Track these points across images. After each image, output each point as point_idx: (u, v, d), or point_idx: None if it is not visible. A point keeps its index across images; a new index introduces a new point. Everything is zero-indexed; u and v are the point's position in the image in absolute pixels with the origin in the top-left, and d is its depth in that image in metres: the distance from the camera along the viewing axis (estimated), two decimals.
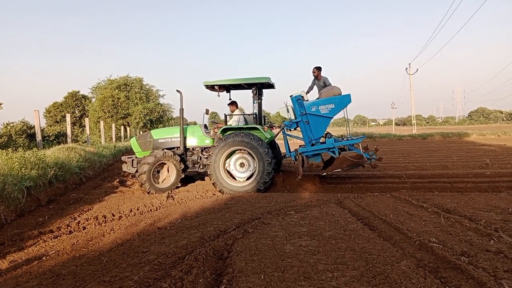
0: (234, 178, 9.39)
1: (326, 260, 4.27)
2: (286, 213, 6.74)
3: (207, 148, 10.14)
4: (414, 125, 46.24)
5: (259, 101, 10.23)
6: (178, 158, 9.68)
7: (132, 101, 38.84)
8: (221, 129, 9.68)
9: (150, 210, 7.37)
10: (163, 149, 9.86)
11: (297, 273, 3.90)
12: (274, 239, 5.15)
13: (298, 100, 9.35)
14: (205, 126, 10.66)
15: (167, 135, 10.21)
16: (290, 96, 9.50)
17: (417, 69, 46.80)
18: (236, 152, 9.37)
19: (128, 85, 41.13)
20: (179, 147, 10.09)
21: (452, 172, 11.08)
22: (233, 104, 10.53)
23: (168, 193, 9.02)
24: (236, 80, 9.59)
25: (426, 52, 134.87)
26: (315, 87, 10.56)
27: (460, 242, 4.78)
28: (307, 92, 10.48)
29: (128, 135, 30.85)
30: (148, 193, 9.29)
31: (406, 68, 47.00)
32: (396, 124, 68.87)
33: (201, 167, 10.04)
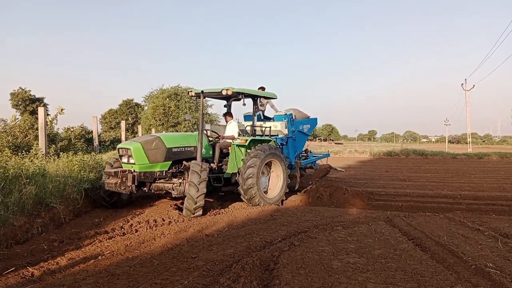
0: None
1: (375, 279, 4.17)
2: (333, 228, 6.65)
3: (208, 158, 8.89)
4: (469, 143, 44.03)
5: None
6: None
7: (182, 110, 40.01)
8: (250, 140, 8.78)
9: (198, 217, 7.53)
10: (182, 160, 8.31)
11: None
12: (321, 254, 5.09)
13: (291, 118, 10.46)
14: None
15: (182, 143, 8.45)
16: (285, 114, 10.57)
17: (474, 85, 44.49)
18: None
19: (178, 95, 42.46)
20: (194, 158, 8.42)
21: (511, 195, 10.43)
22: (230, 114, 9.78)
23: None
24: (256, 92, 9.23)
25: (484, 67, 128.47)
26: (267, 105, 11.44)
27: None
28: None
29: None
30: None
31: (462, 84, 44.92)
32: (449, 141, 65.93)
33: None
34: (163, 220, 6.98)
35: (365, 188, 10.96)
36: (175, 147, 8.19)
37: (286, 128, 10.24)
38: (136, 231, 6.30)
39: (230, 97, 9.03)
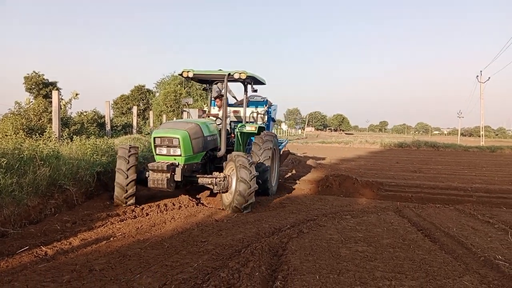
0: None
1: (383, 268, 4.19)
2: (342, 217, 6.67)
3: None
4: (482, 136, 43.44)
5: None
6: None
7: (193, 97, 40.06)
8: (258, 127, 8.44)
9: (208, 202, 7.61)
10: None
11: (353, 277, 3.87)
12: (330, 242, 5.12)
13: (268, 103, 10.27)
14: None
15: (211, 130, 7.76)
16: (271, 105, 10.29)
17: (489, 77, 43.73)
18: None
19: (190, 82, 42.46)
20: (219, 147, 7.98)
21: None
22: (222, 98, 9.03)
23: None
24: (260, 78, 8.66)
25: (500, 60, 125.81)
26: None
27: None
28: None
29: None
30: None
31: (477, 76, 44.20)
32: (462, 134, 65.15)
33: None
34: (173, 205, 7.06)
35: (375, 179, 10.90)
36: (209, 136, 7.57)
37: (265, 114, 9.73)
38: (147, 214, 6.39)
39: (237, 81, 8.44)
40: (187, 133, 6.81)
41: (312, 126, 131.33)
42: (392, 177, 12.19)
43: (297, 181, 10.33)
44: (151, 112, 20.19)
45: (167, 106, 37.38)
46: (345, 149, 29.29)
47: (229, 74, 7.80)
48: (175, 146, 6.73)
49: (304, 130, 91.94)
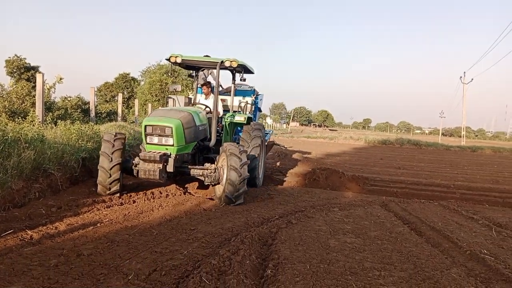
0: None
1: (372, 259, 4.23)
2: (329, 209, 6.71)
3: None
4: (463, 136, 44.29)
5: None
6: None
7: (168, 89, 39.57)
8: (247, 118, 8.37)
9: (196, 192, 7.55)
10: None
11: (343, 267, 3.89)
12: (318, 233, 5.14)
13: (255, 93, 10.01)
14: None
15: (202, 120, 7.44)
16: (258, 95, 10.02)
17: (472, 79, 44.48)
18: None
19: (176, 71, 41.98)
20: (209, 137, 7.80)
21: (504, 188, 10.57)
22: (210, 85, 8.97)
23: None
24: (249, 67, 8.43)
25: (482, 62, 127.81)
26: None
27: None
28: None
29: None
30: None
31: (461, 77, 44.94)
32: (443, 134, 66.31)
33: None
34: (161, 193, 6.98)
35: (360, 174, 11.01)
36: (200, 125, 7.26)
37: (252, 104, 9.56)
38: (134, 202, 6.30)
39: (226, 69, 8.20)
40: (180, 122, 6.48)
41: (297, 121, 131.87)
42: (377, 173, 12.32)
43: (284, 174, 10.34)
44: (136, 101, 19.93)
45: (152, 95, 36.91)
46: (330, 144, 29.52)
47: (221, 62, 7.63)
48: (167, 136, 6.41)
49: (289, 125, 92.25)
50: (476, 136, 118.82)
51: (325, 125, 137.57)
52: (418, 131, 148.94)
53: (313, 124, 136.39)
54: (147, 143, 6.59)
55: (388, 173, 12.62)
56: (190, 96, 9.60)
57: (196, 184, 8.10)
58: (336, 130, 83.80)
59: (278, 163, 12.31)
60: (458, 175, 13.20)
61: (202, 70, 9.21)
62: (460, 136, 46.07)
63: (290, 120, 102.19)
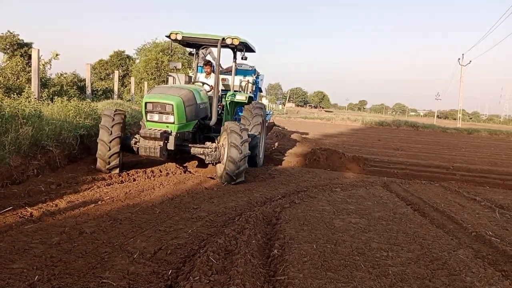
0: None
1: (378, 240, 4.19)
2: (332, 189, 6.66)
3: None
4: (459, 118, 44.37)
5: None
6: None
7: (169, 66, 39.04)
8: (248, 97, 8.17)
9: (196, 171, 7.46)
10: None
11: (350, 248, 3.85)
12: (322, 213, 5.10)
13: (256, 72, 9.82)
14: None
15: (203, 98, 7.31)
16: (259, 75, 9.85)
17: (470, 61, 44.42)
18: None
19: (172, 50, 41.30)
20: (209, 116, 7.63)
21: (502, 170, 10.56)
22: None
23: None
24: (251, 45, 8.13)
25: (479, 45, 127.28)
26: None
27: None
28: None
29: None
30: None
31: (459, 59, 44.74)
32: (437, 116, 66.36)
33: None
34: (161, 172, 6.87)
35: (359, 154, 10.94)
36: (201, 103, 7.10)
37: (253, 83, 9.32)
38: (134, 180, 6.19)
39: (228, 47, 7.94)
40: (181, 100, 6.33)
41: (293, 102, 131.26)
42: (376, 154, 12.27)
43: (284, 154, 10.26)
44: (132, 78, 19.63)
45: (148, 74, 36.42)
46: (327, 125, 29.44)
47: (222, 39, 7.42)
48: (168, 113, 6.27)
49: (285, 105, 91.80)
50: (471, 119, 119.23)
51: (320, 106, 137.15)
52: (413, 113, 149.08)
53: (309, 105, 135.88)
54: (148, 120, 6.46)
55: (386, 154, 12.58)
56: (191, 74, 9.36)
57: (196, 162, 8.00)
58: (331, 112, 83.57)
59: (276, 144, 12.21)
60: (456, 156, 13.19)
61: (203, 48, 8.99)
62: (455, 119, 46.20)
63: (286, 101, 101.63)
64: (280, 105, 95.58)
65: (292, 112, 66.69)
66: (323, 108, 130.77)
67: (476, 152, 15.60)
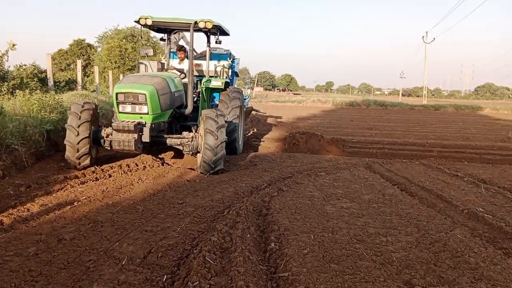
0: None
1: (374, 224, 4.07)
2: (316, 174, 6.53)
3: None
4: (425, 96, 45.48)
5: None
6: None
7: (139, 53, 37.88)
8: (224, 82, 7.82)
9: (174, 162, 7.13)
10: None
11: (348, 235, 3.71)
12: (312, 199, 4.95)
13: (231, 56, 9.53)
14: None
15: (177, 86, 6.96)
16: (234, 59, 9.65)
17: (434, 38, 45.23)
18: None
19: (135, 36, 40.02)
20: (185, 105, 7.24)
21: (475, 144, 10.80)
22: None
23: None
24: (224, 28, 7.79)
25: (442, 23, 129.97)
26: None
27: (509, 213, 4.59)
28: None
29: None
30: None
31: (423, 37, 45.51)
32: (402, 94, 67.79)
33: None
34: (137, 166, 6.51)
35: (335, 136, 10.90)
36: (176, 91, 6.75)
37: (229, 68, 9.08)
38: (110, 176, 5.83)
39: (201, 31, 7.49)
40: (154, 89, 5.98)
41: (261, 86, 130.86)
42: (351, 134, 12.28)
43: (262, 139, 10.07)
44: (96, 68, 18.75)
45: (111, 62, 35.13)
46: (299, 108, 29.43)
47: (195, 23, 7.05)
48: (141, 103, 5.93)
49: (253, 90, 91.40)
50: (433, 95, 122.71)
51: (289, 89, 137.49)
52: (378, 92, 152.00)
53: (277, 89, 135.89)
54: (120, 112, 6.08)
55: (362, 134, 12.63)
56: (163, 61, 8.92)
57: (172, 153, 7.68)
58: (300, 94, 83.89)
59: (253, 129, 11.98)
60: (428, 133, 13.42)
61: (174, 33, 8.56)
62: (418, 96, 47.30)
63: (255, 85, 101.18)
64: (249, 90, 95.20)
65: (261, 96, 66.45)
66: (291, 91, 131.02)
67: (447, 127, 15.95)
